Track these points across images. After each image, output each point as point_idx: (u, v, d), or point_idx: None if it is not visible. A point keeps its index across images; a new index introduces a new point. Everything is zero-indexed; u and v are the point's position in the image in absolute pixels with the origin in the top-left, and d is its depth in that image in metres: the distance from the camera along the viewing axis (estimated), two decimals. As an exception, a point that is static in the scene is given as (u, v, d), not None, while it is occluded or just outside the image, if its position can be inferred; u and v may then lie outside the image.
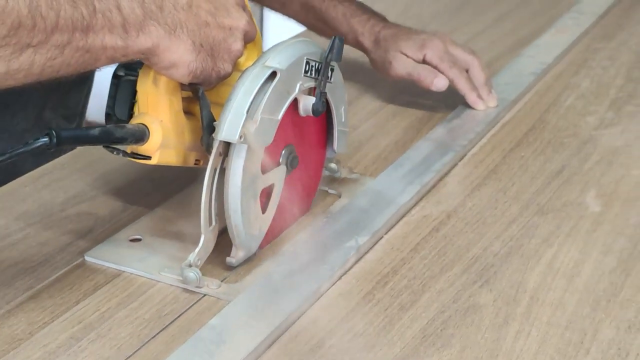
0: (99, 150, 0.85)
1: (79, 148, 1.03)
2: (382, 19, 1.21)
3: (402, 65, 1.15)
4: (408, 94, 1.21)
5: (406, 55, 1.15)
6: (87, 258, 0.84)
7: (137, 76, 0.82)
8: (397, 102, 1.20)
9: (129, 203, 0.94)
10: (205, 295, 0.79)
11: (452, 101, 1.17)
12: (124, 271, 0.82)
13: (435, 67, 1.15)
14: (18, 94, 0.70)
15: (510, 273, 0.84)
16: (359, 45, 1.19)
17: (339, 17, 1.18)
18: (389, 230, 0.90)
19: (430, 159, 1.02)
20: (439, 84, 1.13)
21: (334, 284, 0.82)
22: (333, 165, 0.97)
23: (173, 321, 0.76)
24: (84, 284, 0.81)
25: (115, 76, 0.84)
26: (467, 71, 1.16)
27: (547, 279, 0.83)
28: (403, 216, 0.93)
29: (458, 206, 0.95)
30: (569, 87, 1.26)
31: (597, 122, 1.15)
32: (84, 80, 1.13)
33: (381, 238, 0.89)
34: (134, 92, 0.82)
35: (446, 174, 1.02)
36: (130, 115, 0.83)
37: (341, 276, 0.83)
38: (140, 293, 0.80)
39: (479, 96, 1.15)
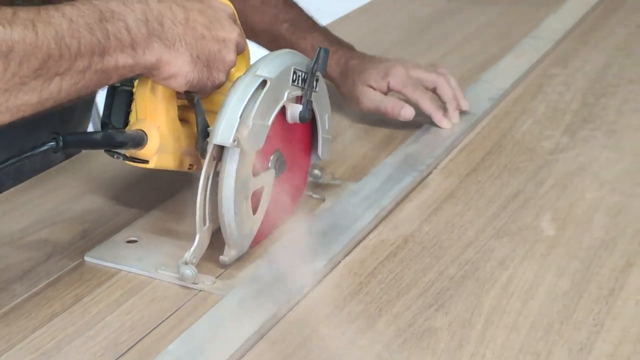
0: (94, 157, 0.98)
1: (77, 155, 1.10)
2: (349, 48, 1.25)
3: (370, 99, 1.20)
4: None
5: (372, 87, 1.20)
6: (86, 258, 0.89)
7: (132, 86, 0.87)
8: (366, 120, 1.24)
9: (123, 206, 0.99)
10: (200, 290, 0.85)
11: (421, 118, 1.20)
12: (122, 270, 0.87)
13: (399, 92, 1.19)
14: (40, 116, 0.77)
15: (465, 296, 0.85)
16: (327, 77, 1.21)
17: (308, 48, 1.21)
18: (347, 255, 0.91)
19: (388, 184, 1.03)
20: (406, 114, 1.18)
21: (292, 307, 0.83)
22: (316, 171, 1.03)
23: (171, 314, 0.81)
24: (85, 283, 0.86)
25: (111, 87, 0.88)
26: (435, 89, 1.20)
27: (502, 302, 0.84)
28: (361, 241, 0.94)
29: (415, 230, 0.96)
30: (526, 112, 1.28)
31: (553, 146, 1.17)
32: (90, 100, 1.19)
33: (339, 263, 0.90)
34: (129, 102, 0.88)
35: (404, 198, 1.03)
36: (126, 123, 0.88)
37: (299, 301, 0.84)
38: (139, 289, 0.85)
39: (445, 115, 1.19)
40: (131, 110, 0.88)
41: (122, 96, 0.88)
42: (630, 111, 1.29)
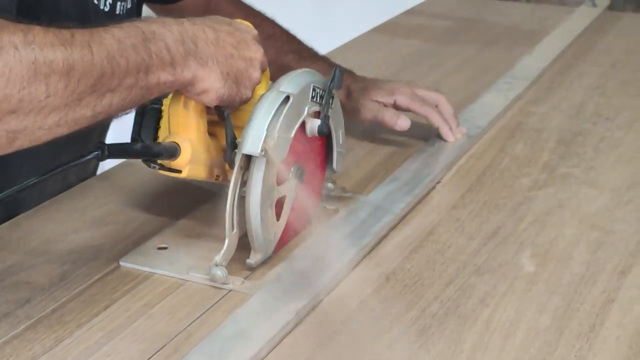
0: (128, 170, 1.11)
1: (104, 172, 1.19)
2: (351, 73, 1.31)
3: (369, 110, 1.26)
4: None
5: (377, 101, 1.26)
6: (121, 263, 0.95)
7: (160, 105, 0.95)
8: (370, 138, 1.30)
9: (154, 216, 1.06)
10: (230, 290, 0.91)
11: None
12: (155, 273, 0.93)
13: (407, 109, 1.26)
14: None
15: (448, 333, 0.84)
16: None
17: None
18: (329, 293, 0.91)
19: (368, 222, 1.03)
20: (403, 124, 1.24)
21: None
22: (330, 184, 1.09)
23: (204, 312, 0.87)
24: (122, 285, 0.92)
25: (140, 105, 0.92)
26: (437, 107, 1.27)
27: (484, 339, 0.83)
28: (342, 279, 0.93)
29: (396, 268, 0.96)
30: (504, 149, 1.28)
31: (532, 183, 1.17)
32: (106, 125, 1.25)
33: (321, 301, 0.89)
34: (158, 119, 0.95)
35: (384, 236, 1.02)
36: (155, 139, 0.95)
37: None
38: (172, 290, 0.91)
39: (451, 129, 1.27)
40: (160, 127, 0.95)
41: (151, 114, 0.95)
42: (607, 148, 1.29)
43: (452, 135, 1.27)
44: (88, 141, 1.18)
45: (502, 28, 1.95)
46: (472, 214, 1.08)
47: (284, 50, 1.30)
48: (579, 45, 1.81)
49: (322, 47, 1.34)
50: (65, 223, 1.05)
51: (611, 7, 2.12)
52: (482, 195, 1.13)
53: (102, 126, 1.24)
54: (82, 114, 0.79)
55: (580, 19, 1.99)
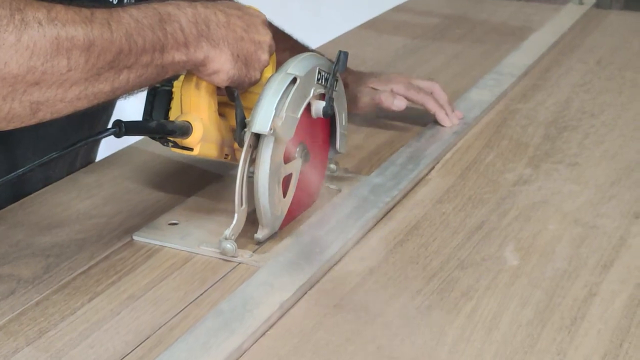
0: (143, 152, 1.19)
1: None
2: (347, 68, 1.30)
3: (365, 94, 1.30)
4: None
5: (373, 88, 1.30)
6: (135, 237, 1.00)
7: (171, 87, 0.99)
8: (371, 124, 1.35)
9: (164, 193, 1.11)
10: (240, 263, 0.95)
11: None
12: (167, 246, 0.98)
13: (404, 97, 1.30)
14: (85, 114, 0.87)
15: (431, 326, 0.84)
16: None
17: None
18: (312, 286, 0.91)
19: (354, 215, 1.04)
20: (399, 103, 1.29)
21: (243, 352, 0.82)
22: (332, 165, 1.14)
23: (216, 282, 0.92)
24: (137, 257, 0.96)
25: (152, 87, 1.00)
26: (432, 94, 1.32)
27: (466, 332, 0.84)
28: (327, 272, 0.94)
29: (381, 261, 0.96)
30: (489, 145, 1.29)
31: (516, 178, 1.17)
32: (107, 109, 1.28)
33: (305, 294, 0.90)
34: (169, 100, 1.00)
35: (370, 229, 1.03)
36: (166, 120, 0.99)
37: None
38: (184, 262, 0.95)
39: (447, 115, 1.31)
40: (171, 108, 1.00)
41: (162, 95, 1.00)
42: (591, 144, 1.30)
43: (449, 120, 1.32)
44: (93, 127, 1.23)
45: (489, 25, 1.95)
46: (457, 209, 1.09)
47: (280, 47, 1.30)
48: (566, 43, 1.82)
49: (309, 43, 1.34)
50: (82, 200, 1.10)
51: (598, 5, 2.13)
52: (467, 190, 1.14)
53: (107, 113, 1.29)
54: (101, 89, 0.83)
55: (567, 16, 2.00)
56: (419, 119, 1.34)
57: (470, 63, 1.68)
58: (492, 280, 0.92)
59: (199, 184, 1.13)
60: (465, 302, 0.88)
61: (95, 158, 1.33)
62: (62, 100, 0.81)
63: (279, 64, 1.17)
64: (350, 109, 1.26)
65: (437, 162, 1.22)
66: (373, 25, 1.94)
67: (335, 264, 0.95)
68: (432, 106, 1.31)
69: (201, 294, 0.90)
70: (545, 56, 1.72)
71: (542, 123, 1.38)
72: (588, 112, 1.43)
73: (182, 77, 0.98)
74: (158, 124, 0.94)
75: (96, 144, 1.27)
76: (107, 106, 1.25)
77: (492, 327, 0.84)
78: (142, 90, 0.92)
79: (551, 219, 1.06)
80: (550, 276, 0.93)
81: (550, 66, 1.67)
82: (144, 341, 0.82)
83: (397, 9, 2.08)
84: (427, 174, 1.18)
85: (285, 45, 1.31)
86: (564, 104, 1.47)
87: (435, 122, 1.32)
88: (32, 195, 1.10)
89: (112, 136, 0.88)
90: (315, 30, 1.88)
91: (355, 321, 0.85)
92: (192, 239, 0.99)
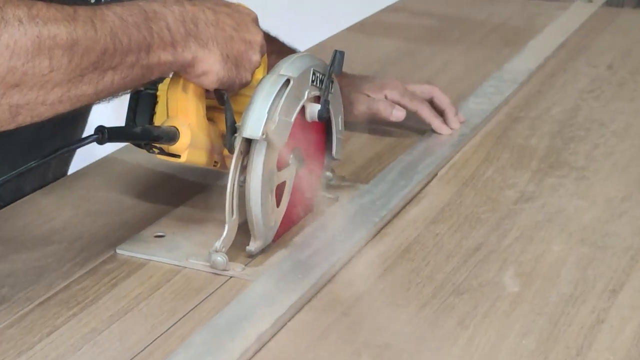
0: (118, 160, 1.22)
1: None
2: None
3: (361, 103, 1.33)
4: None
5: (367, 95, 1.33)
6: (118, 251, 1.03)
7: (155, 90, 1.03)
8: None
9: (150, 204, 1.14)
10: (231, 277, 0.98)
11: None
12: (154, 261, 1.01)
13: (397, 104, 1.33)
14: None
15: (423, 358, 0.85)
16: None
17: None
18: (309, 302, 0.94)
19: (340, 236, 1.05)
20: (398, 114, 1.32)
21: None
22: (328, 173, 1.15)
23: (205, 298, 0.94)
24: (119, 272, 0.99)
25: (135, 91, 1.03)
26: (431, 101, 1.36)
27: (462, 364, 0.85)
28: (309, 300, 0.95)
29: (369, 288, 0.97)
30: (489, 158, 1.30)
31: (517, 195, 1.19)
32: (83, 115, 1.32)
33: (300, 309, 0.92)
34: (154, 105, 1.03)
35: (357, 252, 1.04)
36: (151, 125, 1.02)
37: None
38: (171, 276, 0.98)
39: (443, 122, 1.35)
40: (155, 113, 1.03)
41: (146, 99, 1.03)
42: (601, 156, 1.31)
43: (446, 128, 1.35)
44: (67, 137, 1.25)
45: (489, 26, 1.97)
46: (452, 229, 1.10)
47: (268, 50, 1.34)
48: (573, 45, 1.83)
49: (295, 46, 1.36)
50: (61, 212, 1.13)
51: (609, 3, 2.15)
52: (463, 209, 1.15)
53: (84, 120, 1.32)
54: (84, 91, 0.86)
55: (574, 15, 2.02)
56: (420, 124, 1.36)
57: (468, 68, 1.69)
58: (490, 308, 0.93)
59: (187, 194, 1.16)
60: (460, 332, 0.89)
61: (67, 171, 1.35)
62: (43, 103, 0.83)
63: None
64: (345, 117, 1.28)
65: (432, 178, 1.23)
66: (362, 28, 1.96)
67: (333, 277, 0.99)
68: (426, 115, 1.34)
69: (190, 311, 0.92)
70: (550, 60, 1.73)
71: (547, 133, 1.39)
72: (597, 121, 1.44)
73: (167, 80, 1.01)
74: (143, 129, 0.97)
75: (72, 154, 1.30)
76: (84, 112, 1.29)
77: (490, 358, 0.85)
78: (126, 93, 0.96)
79: (556, 239, 1.08)
80: (554, 302, 0.95)
81: (555, 71, 1.68)
82: (163, 332, 0.88)
83: (389, 9, 2.10)
84: (420, 191, 1.19)
85: (272, 48, 1.33)
86: (570, 112, 1.48)
87: (434, 131, 1.35)
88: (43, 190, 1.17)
89: (92, 144, 0.91)
90: (298, 33, 1.89)
91: (352, 343, 0.87)
92: (180, 251, 1.02)
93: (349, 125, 1.28)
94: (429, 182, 1.22)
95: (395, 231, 1.10)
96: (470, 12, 2.07)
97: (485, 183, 1.22)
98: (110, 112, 1.15)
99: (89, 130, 1.29)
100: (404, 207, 1.15)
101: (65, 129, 1.25)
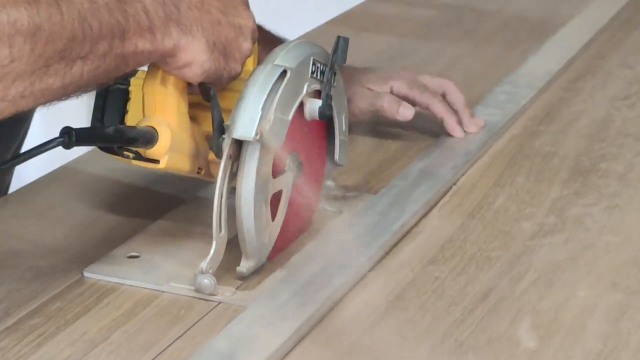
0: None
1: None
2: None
3: (364, 98, 1.37)
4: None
5: (370, 89, 1.38)
6: (85, 274, 1.05)
7: (127, 85, 1.04)
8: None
9: (121, 218, 1.17)
10: (220, 302, 1.00)
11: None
12: (128, 285, 1.03)
13: (405, 98, 1.37)
14: None
15: None
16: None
17: None
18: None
19: (320, 277, 1.05)
20: (405, 112, 1.36)
21: None
22: (329, 182, 1.19)
23: (189, 329, 0.96)
24: (85, 299, 1.01)
25: (101, 87, 1.04)
26: (444, 95, 1.39)
27: None
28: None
29: (355, 344, 0.97)
30: (500, 183, 1.30)
31: (535, 228, 1.19)
32: (23, 119, 1.38)
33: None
34: (125, 102, 1.04)
35: (339, 300, 1.03)
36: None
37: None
38: (147, 304, 1.00)
39: (458, 122, 1.38)
40: (127, 112, 1.05)
41: (116, 96, 1.05)
42: (636, 180, 1.32)
43: (460, 130, 1.38)
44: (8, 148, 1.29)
45: (502, 19, 1.98)
46: (455, 271, 1.09)
47: None
48: (604, 41, 1.85)
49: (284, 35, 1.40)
50: (18, 229, 1.15)
51: (649, -11, 2.16)
52: (469, 246, 1.15)
53: (27, 123, 1.37)
54: (50, 84, 0.88)
55: (606, 4, 2.03)
56: (434, 126, 1.40)
57: (476, 70, 1.70)
58: (501, 369, 0.93)
59: (165, 206, 1.18)
60: (465, 400, 0.89)
61: (9, 183, 1.39)
62: (3, 98, 0.85)
63: None
64: None
65: (430, 208, 1.23)
66: (347, 20, 1.96)
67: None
68: (439, 110, 1.38)
69: (171, 343, 0.93)
70: (575, 60, 1.74)
71: (571, 151, 1.39)
72: (633, 135, 1.45)
73: (141, 73, 1.03)
74: (116, 130, 0.99)
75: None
76: (26, 115, 1.33)
77: None
78: (97, 88, 0.99)
79: (581, 284, 1.07)
80: (580, 361, 0.95)
81: (582, 74, 1.69)
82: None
83: (378, -4, 2.11)
84: (416, 224, 1.19)
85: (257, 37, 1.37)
86: (600, 124, 1.49)
87: (447, 134, 1.38)
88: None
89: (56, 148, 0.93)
90: (276, 25, 1.89)
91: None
92: (159, 273, 1.04)
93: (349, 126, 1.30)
94: (427, 212, 1.22)
95: (385, 273, 1.09)
96: (479, 3, 2.08)
97: (495, 214, 1.22)
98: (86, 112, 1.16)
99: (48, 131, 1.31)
100: (396, 244, 1.15)
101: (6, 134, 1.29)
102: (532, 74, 1.65)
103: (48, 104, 0.91)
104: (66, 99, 0.94)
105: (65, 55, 0.88)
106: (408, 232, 1.18)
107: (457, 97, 1.40)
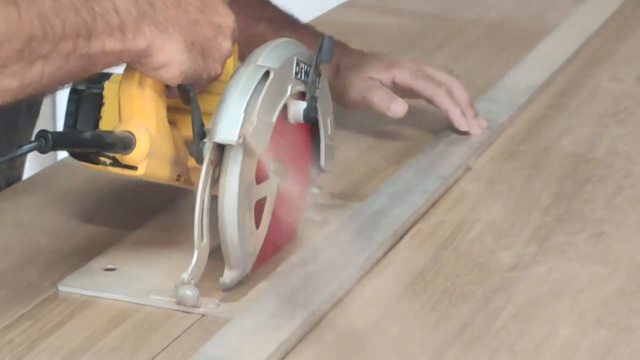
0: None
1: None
2: (343, 46, 1.45)
3: (357, 89, 1.43)
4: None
5: (371, 78, 1.43)
6: (60, 288, 1.07)
7: (101, 89, 1.08)
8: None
9: (97, 228, 1.21)
10: (203, 315, 1.03)
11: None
12: (105, 298, 1.06)
13: (408, 88, 1.43)
14: None
15: None
16: None
17: None
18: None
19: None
20: (396, 108, 1.41)
21: None
22: (315, 189, 1.20)
23: (170, 344, 0.98)
24: (60, 314, 1.03)
25: (74, 91, 1.09)
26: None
27: None
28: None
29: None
30: (476, 210, 1.31)
31: (513, 260, 1.19)
32: (35, 109, 1.44)
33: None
34: (99, 107, 1.08)
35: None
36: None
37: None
38: (126, 318, 1.03)
39: (463, 114, 1.44)
40: (101, 117, 1.08)
41: (89, 100, 1.08)
42: (626, 204, 1.32)
43: (466, 124, 1.43)
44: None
45: (481, 27, 1.99)
46: (426, 308, 1.09)
47: (255, 17, 1.45)
48: (592, 52, 1.85)
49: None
50: None
51: (640, -7, 2.17)
52: (441, 279, 1.15)
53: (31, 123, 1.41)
54: (7, 85, 0.91)
55: (594, 11, 2.04)
56: (436, 122, 1.45)
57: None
58: (474, 417, 0.94)
59: (142, 216, 1.22)
60: None
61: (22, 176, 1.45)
62: None
63: (252, 38, 1.28)
64: (339, 103, 1.31)
65: (400, 238, 1.23)
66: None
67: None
68: (443, 102, 1.43)
69: (153, 358, 0.96)
70: (561, 72, 1.75)
71: (555, 173, 1.40)
72: (622, 155, 1.46)
73: (115, 77, 1.07)
74: (94, 135, 1.02)
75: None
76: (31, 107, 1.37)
77: None
78: (63, 88, 1.03)
79: (564, 320, 1.07)
80: (561, 407, 0.95)
81: (568, 87, 1.70)
82: None
83: (349, 4, 2.11)
84: (383, 256, 1.19)
85: (262, 14, 1.45)
86: (587, 143, 1.50)
87: (450, 128, 1.44)
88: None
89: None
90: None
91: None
92: (137, 285, 1.07)
93: (341, 117, 1.33)
94: (395, 243, 1.22)
95: (349, 312, 1.09)
96: (458, 9, 2.10)
97: (470, 244, 1.22)
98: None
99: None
100: (359, 279, 1.14)
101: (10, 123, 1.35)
102: (513, 89, 1.66)
103: (6, 104, 0.93)
104: (28, 99, 0.96)
105: (23, 56, 0.91)
106: (374, 265, 1.17)
107: (461, 95, 1.45)
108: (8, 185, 1.34)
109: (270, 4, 1.48)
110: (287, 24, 1.49)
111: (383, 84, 1.44)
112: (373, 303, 1.11)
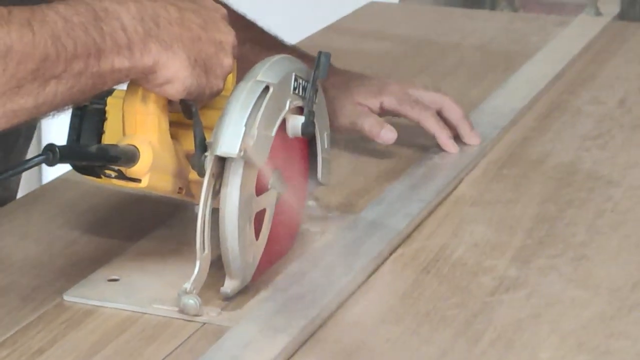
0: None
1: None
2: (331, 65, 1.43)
3: (347, 115, 1.47)
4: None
5: (360, 104, 1.47)
6: (65, 297, 1.11)
7: (104, 105, 1.12)
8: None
9: (101, 240, 1.25)
10: (205, 323, 1.06)
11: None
12: (109, 307, 1.09)
13: (395, 113, 1.47)
14: None
15: None
16: None
17: None
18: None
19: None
20: (386, 136, 1.45)
21: None
22: (311, 202, 1.26)
23: (172, 351, 1.02)
24: (65, 323, 1.07)
25: (77, 107, 1.11)
26: (440, 113, 1.48)
27: None
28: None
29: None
30: (457, 233, 1.31)
31: (495, 283, 1.19)
32: (31, 130, 1.47)
33: (317, 330, 1.05)
34: (102, 122, 1.12)
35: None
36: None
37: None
38: (128, 326, 1.06)
39: (452, 137, 1.47)
40: (104, 132, 1.12)
41: (92, 116, 1.12)
42: (607, 227, 1.33)
43: (454, 145, 1.47)
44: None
45: (464, 51, 1.99)
46: (408, 332, 1.10)
47: (239, 38, 1.42)
48: (574, 74, 1.86)
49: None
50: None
51: (622, 16, 2.17)
52: (422, 303, 1.15)
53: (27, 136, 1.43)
54: (22, 105, 0.95)
55: (577, 34, 2.06)
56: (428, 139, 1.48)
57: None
58: None
59: (145, 227, 1.26)
60: None
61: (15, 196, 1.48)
62: None
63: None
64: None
65: (382, 262, 1.24)
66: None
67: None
68: (430, 125, 1.46)
69: None
70: (543, 95, 1.76)
71: (536, 196, 1.41)
72: (603, 179, 1.46)
73: (118, 92, 1.11)
74: (99, 148, 1.07)
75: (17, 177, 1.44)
76: (29, 129, 1.40)
77: None
78: (73, 106, 1.08)
79: (544, 344, 1.08)
80: None
81: (550, 110, 1.71)
82: None
83: (328, 29, 2.12)
84: (365, 281, 1.20)
85: (246, 36, 1.42)
86: (568, 166, 1.50)
87: (439, 149, 1.47)
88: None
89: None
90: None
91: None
92: (141, 295, 1.11)
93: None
94: (377, 267, 1.22)
95: (332, 336, 1.09)
96: (440, 33, 2.11)
97: (452, 267, 1.23)
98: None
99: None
100: (342, 303, 1.15)
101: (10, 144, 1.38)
102: (495, 112, 1.66)
103: (22, 123, 0.97)
104: (41, 118, 1.03)
105: (38, 76, 0.95)
106: (357, 289, 1.18)
107: (454, 111, 1.49)
108: (1, 205, 1.37)
109: (255, 25, 1.52)
110: (272, 45, 1.51)
111: (372, 110, 1.48)
112: (355, 326, 1.11)
